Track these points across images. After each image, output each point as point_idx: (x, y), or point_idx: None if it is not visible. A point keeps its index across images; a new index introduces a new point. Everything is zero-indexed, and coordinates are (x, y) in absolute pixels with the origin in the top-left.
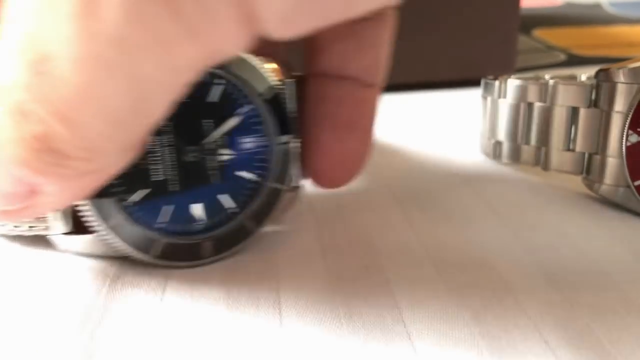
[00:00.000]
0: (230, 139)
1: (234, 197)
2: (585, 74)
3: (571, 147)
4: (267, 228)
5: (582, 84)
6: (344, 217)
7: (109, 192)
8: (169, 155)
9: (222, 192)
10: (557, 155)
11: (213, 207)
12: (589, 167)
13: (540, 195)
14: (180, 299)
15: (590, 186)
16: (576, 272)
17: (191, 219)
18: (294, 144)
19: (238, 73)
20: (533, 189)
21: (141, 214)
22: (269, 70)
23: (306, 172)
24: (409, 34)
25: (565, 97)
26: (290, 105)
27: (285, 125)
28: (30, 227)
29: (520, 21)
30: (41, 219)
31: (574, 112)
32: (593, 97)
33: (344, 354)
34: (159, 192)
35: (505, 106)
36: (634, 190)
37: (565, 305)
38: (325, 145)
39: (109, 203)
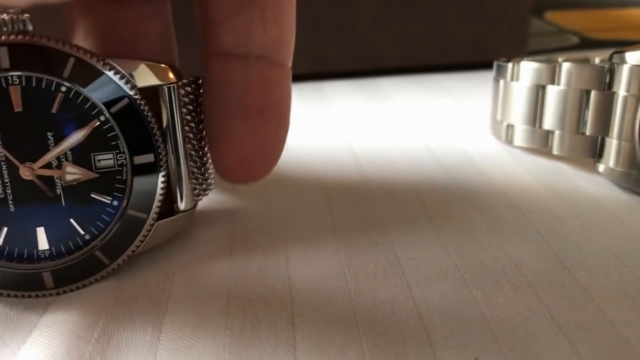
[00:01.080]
0: (83, 155)
1: (84, 223)
2: (598, 57)
3: (583, 130)
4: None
5: (596, 66)
6: (357, 199)
7: None
8: (4, 172)
9: (70, 217)
10: (569, 138)
11: (59, 233)
12: (600, 151)
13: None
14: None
15: (601, 170)
16: (588, 254)
17: (32, 244)
18: (162, 162)
19: (84, 80)
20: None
21: None
22: (129, 74)
23: (217, 168)
24: (422, 16)
25: (578, 80)
26: (150, 117)
27: (144, 141)
28: None
29: (533, 4)
30: None
31: (586, 95)
32: (607, 80)
33: (354, 331)
34: None
35: (517, 89)
36: None
37: (577, 287)
38: (236, 135)
39: None
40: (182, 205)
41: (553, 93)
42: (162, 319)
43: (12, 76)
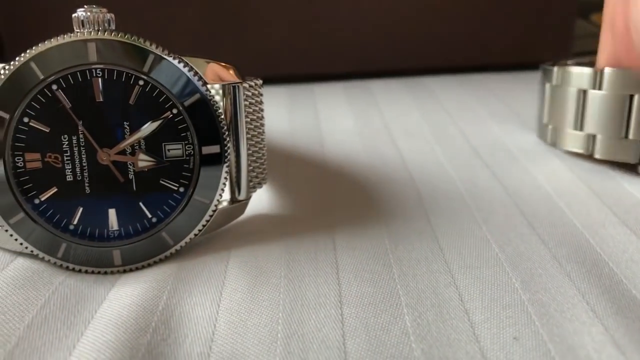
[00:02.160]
0: (155, 144)
1: (152, 207)
2: None
3: (625, 134)
4: (193, 242)
5: (636, 72)
6: (403, 192)
7: (18, 189)
8: (83, 157)
9: (140, 200)
10: (612, 143)
11: (129, 215)
12: None
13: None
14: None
15: None
16: (625, 249)
17: (104, 224)
18: (227, 154)
19: (161, 75)
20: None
21: (49, 214)
22: (200, 72)
23: None
24: (466, 17)
25: (619, 85)
26: (219, 112)
27: (212, 133)
28: None
29: (578, 5)
30: None
31: (630, 100)
32: None
33: (397, 311)
34: (69, 193)
35: (562, 93)
36: None
37: (615, 278)
38: None
39: (10, 200)
40: (240, 196)
41: (594, 98)
42: (220, 295)
43: (96, 69)
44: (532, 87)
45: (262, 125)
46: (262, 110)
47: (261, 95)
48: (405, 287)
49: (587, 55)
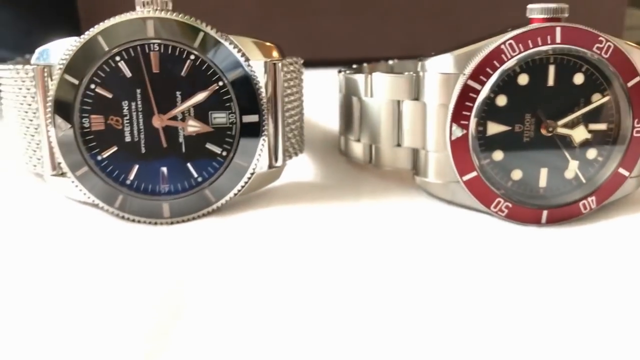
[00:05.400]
0: (202, 112)
1: (198, 168)
2: None
3: (400, 142)
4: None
5: (404, 75)
6: None
7: (84, 147)
8: (140, 120)
9: (188, 161)
10: (388, 151)
11: (178, 174)
12: (416, 163)
13: None
14: None
15: (420, 183)
16: None
17: (156, 180)
18: (264, 124)
19: (210, 51)
20: None
21: (110, 169)
22: (244, 50)
23: None
24: (509, 5)
25: (388, 90)
26: (259, 87)
27: (252, 105)
28: (34, 166)
29: None
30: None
31: (399, 106)
32: (417, 88)
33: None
34: (128, 152)
35: (347, 102)
36: (464, 185)
37: None
38: None
39: (77, 156)
40: (276, 162)
41: (368, 105)
42: (252, 250)
43: (153, 44)
44: None
45: (300, 99)
46: (301, 85)
47: (301, 72)
48: None
49: None
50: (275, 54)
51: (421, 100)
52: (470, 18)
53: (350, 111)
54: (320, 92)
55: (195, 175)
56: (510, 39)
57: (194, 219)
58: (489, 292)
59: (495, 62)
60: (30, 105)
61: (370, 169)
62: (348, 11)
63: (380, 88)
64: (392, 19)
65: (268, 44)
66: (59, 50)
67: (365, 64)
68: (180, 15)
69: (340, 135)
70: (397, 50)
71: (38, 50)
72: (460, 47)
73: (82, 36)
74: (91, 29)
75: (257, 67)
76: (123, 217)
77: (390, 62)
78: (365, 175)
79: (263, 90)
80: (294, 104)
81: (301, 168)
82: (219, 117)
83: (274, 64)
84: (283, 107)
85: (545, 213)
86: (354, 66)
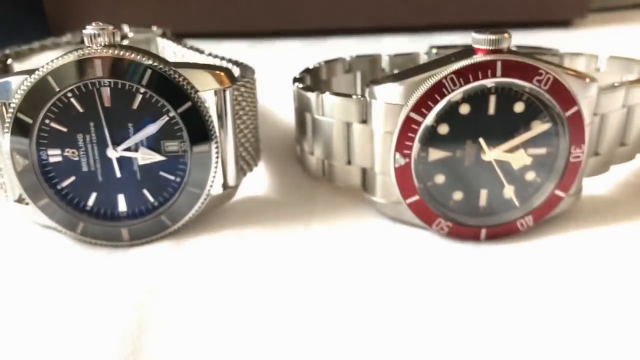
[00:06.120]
0: (155, 141)
1: (154, 193)
2: None
3: (351, 160)
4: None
5: (353, 99)
6: None
7: (43, 178)
8: (95, 152)
9: (144, 187)
10: (340, 168)
11: (134, 199)
12: (365, 182)
13: None
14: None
15: (368, 200)
16: None
17: (114, 206)
18: (216, 150)
19: (158, 86)
20: None
21: (69, 197)
22: (192, 81)
23: None
24: None
25: (338, 112)
26: (209, 116)
27: (202, 134)
28: None
29: None
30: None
31: (349, 127)
32: (365, 112)
33: None
34: (85, 181)
35: (301, 118)
36: (407, 207)
37: None
38: None
39: (38, 186)
40: (230, 182)
41: (320, 123)
42: (204, 277)
43: (103, 81)
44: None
45: (254, 114)
46: (254, 101)
47: (254, 88)
48: None
49: (604, 11)
50: (225, 80)
51: (369, 125)
52: None
53: (304, 125)
54: (284, 67)
55: (152, 200)
56: (452, 73)
57: (152, 241)
58: (425, 306)
59: (436, 95)
60: None
61: (324, 182)
62: None
63: (330, 109)
64: None
65: (217, 72)
66: (14, 87)
67: (323, 63)
68: (127, 54)
69: (296, 142)
70: (361, 20)
71: None
72: (406, 74)
73: (32, 75)
74: (41, 69)
75: (207, 96)
76: (85, 242)
77: (348, 58)
78: (319, 189)
79: (214, 118)
80: (247, 122)
81: (257, 179)
82: (171, 146)
83: (224, 90)
84: (235, 130)
85: (484, 231)
86: (311, 67)
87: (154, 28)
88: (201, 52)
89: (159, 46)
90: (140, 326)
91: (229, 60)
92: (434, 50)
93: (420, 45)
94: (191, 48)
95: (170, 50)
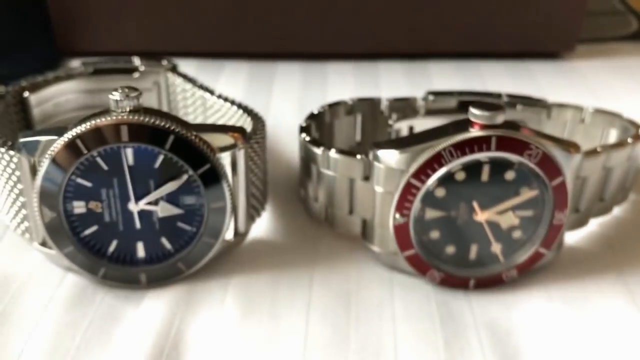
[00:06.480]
0: (174, 196)
1: (172, 241)
2: None
3: (352, 210)
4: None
5: (357, 159)
6: None
7: (69, 227)
8: (117, 205)
9: (162, 236)
10: (342, 218)
11: (152, 247)
12: (364, 231)
13: None
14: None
15: (368, 248)
16: None
17: (133, 253)
18: (228, 206)
19: (179, 150)
20: None
21: (91, 244)
22: (212, 143)
23: None
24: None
25: (342, 168)
26: (225, 175)
27: (219, 192)
28: (22, 231)
29: None
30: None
31: (352, 182)
32: (369, 171)
33: None
34: (107, 230)
35: (306, 168)
36: (404, 260)
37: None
38: None
39: (64, 235)
40: (240, 229)
41: (325, 176)
42: (216, 324)
43: (127, 146)
44: (526, 81)
45: (264, 164)
46: (264, 153)
47: (264, 141)
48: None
49: (593, 42)
50: (240, 141)
51: (371, 182)
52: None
53: (310, 174)
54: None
55: (169, 247)
56: (450, 145)
57: (168, 284)
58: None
59: (435, 165)
60: (15, 184)
61: (326, 227)
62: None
63: (335, 165)
64: (354, 16)
65: (234, 133)
66: (42, 146)
67: (326, 107)
68: (152, 120)
69: (299, 185)
70: (357, 46)
71: (23, 141)
72: (408, 141)
73: (62, 138)
74: (70, 132)
75: (224, 157)
76: (106, 284)
77: (350, 101)
78: (322, 234)
79: (230, 178)
80: (258, 174)
81: (263, 222)
82: (189, 200)
83: (240, 150)
84: (247, 185)
85: (472, 281)
86: (315, 112)
87: (164, 62)
88: (211, 92)
89: (168, 81)
90: None
91: (239, 106)
92: (431, 97)
93: (415, 72)
94: (201, 87)
95: (179, 88)
